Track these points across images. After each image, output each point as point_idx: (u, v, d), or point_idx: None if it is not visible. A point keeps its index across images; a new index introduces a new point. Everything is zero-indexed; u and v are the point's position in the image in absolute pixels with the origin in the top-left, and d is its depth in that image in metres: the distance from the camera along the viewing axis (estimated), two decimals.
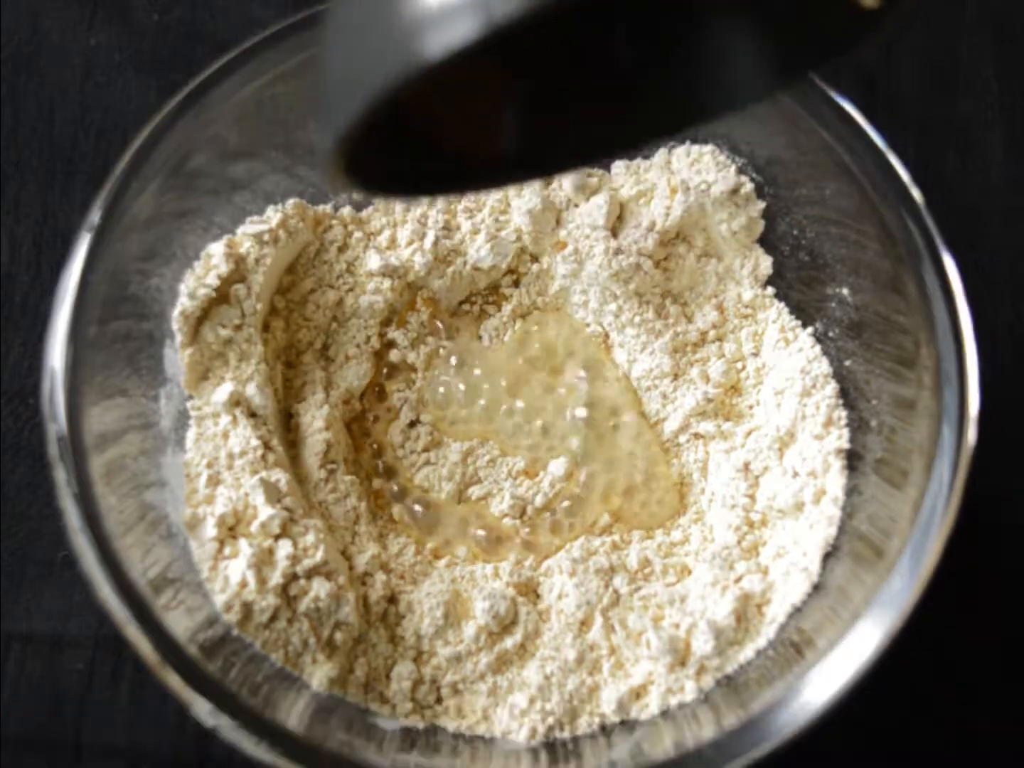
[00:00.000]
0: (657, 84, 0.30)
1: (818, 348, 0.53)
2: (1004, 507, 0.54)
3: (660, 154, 0.56)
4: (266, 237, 0.52)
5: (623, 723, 0.46)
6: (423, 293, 0.56)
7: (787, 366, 0.53)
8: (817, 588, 0.47)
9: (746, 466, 0.53)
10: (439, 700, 0.47)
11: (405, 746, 0.45)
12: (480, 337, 0.57)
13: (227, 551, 0.45)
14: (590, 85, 0.30)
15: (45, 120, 0.62)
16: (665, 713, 0.46)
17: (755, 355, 0.55)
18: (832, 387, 0.52)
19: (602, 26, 0.28)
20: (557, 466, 0.53)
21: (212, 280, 0.49)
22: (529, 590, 0.50)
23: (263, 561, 0.45)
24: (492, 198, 0.57)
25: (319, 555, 0.46)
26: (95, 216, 0.45)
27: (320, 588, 0.45)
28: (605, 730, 0.46)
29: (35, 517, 0.54)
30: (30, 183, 0.60)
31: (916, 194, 0.46)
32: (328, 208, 0.56)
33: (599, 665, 0.48)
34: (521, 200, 0.56)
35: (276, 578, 0.44)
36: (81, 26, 0.64)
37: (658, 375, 0.55)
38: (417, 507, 0.53)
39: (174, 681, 0.39)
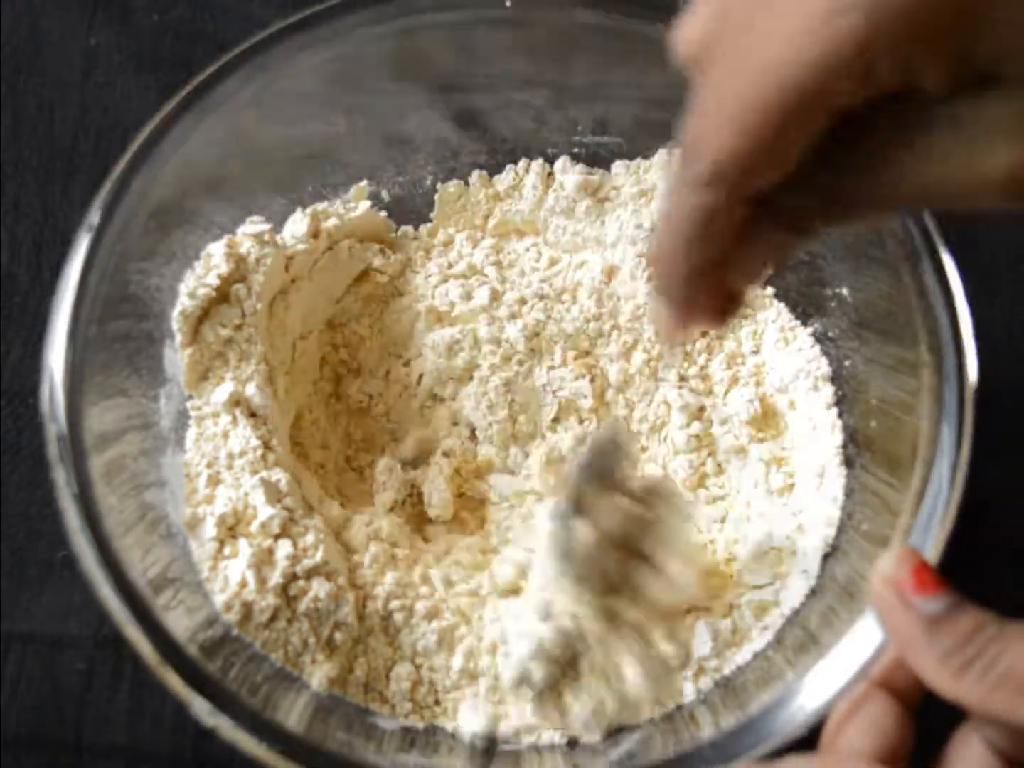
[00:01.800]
0: None
1: (818, 348, 0.53)
2: (1004, 507, 0.54)
3: (660, 154, 0.56)
4: (266, 237, 0.52)
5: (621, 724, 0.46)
6: None
7: (787, 366, 0.53)
8: (816, 588, 0.47)
9: None
10: (437, 701, 0.47)
11: (404, 746, 0.45)
12: None
13: (227, 551, 0.45)
14: None
15: (45, 120, 0.62)
16: (663, 714, 0.46)
17: (755, 353, 0.55)
18: (831, 387, 0.52)
19: None
20: None
21: (212, 280, 0.49)
22: None
23: (263, 561, 0.45)
24: None
25: (319, 555, 0.46)
26: (95, 216, 0.45)
27: (320, 588, 0.45)
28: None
29: (35, 517, 0.54)
30: (30, 183, 0.60)
31: None
32: (329, 207, 0.56)
33: None
34: None
35: (276, 578, 0.44)
36: (81, 26, 0.64)
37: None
38: None
39: (174, 681, 0.39)
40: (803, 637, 0.45)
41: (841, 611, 0.44)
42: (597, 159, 0.57)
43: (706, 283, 0.32)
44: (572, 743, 0.45)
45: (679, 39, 0.29)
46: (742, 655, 0.46)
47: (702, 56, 0.28)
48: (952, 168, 0.26)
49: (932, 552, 0.41)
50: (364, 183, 0.57)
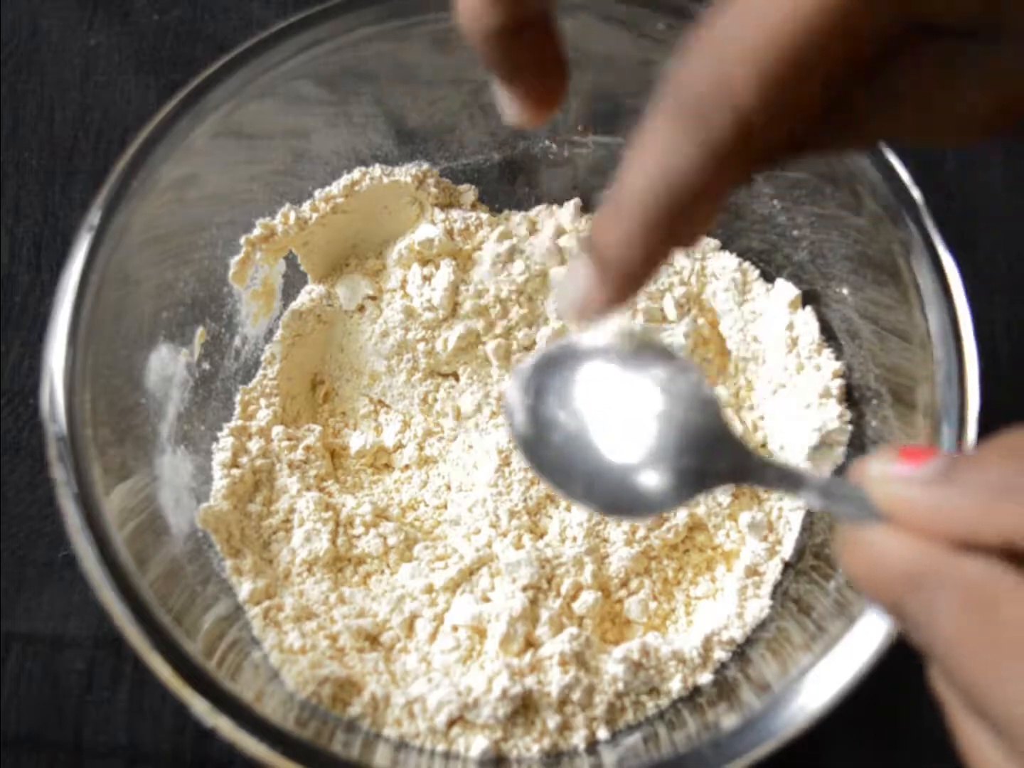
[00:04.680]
0: None
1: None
2: None
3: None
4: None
5: None
6: None
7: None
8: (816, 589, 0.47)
9: None
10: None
11: (404, 746, 0.45)
12: None
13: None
14: None
15: (45, 120, 0.62)
16: (662, 714, 0.46)
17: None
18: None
19: None
20: None
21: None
22: None
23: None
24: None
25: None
26: (95, 216, 0.45)
27: None
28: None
29: (35, 517, 0.54)
30: (30, 183, 0.60)
31: (916, 194, 0.46)
32: None
33: None
34: None
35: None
36: (81, 26, 0.64)
37: None
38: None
39: (174, 681, 0.39)
40: (803, 637, 0.45)
41: (841, 611, 0.44)
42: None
43: (666, 250, 0.27)
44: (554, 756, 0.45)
45: None
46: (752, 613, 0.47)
47: None
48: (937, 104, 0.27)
49: None
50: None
